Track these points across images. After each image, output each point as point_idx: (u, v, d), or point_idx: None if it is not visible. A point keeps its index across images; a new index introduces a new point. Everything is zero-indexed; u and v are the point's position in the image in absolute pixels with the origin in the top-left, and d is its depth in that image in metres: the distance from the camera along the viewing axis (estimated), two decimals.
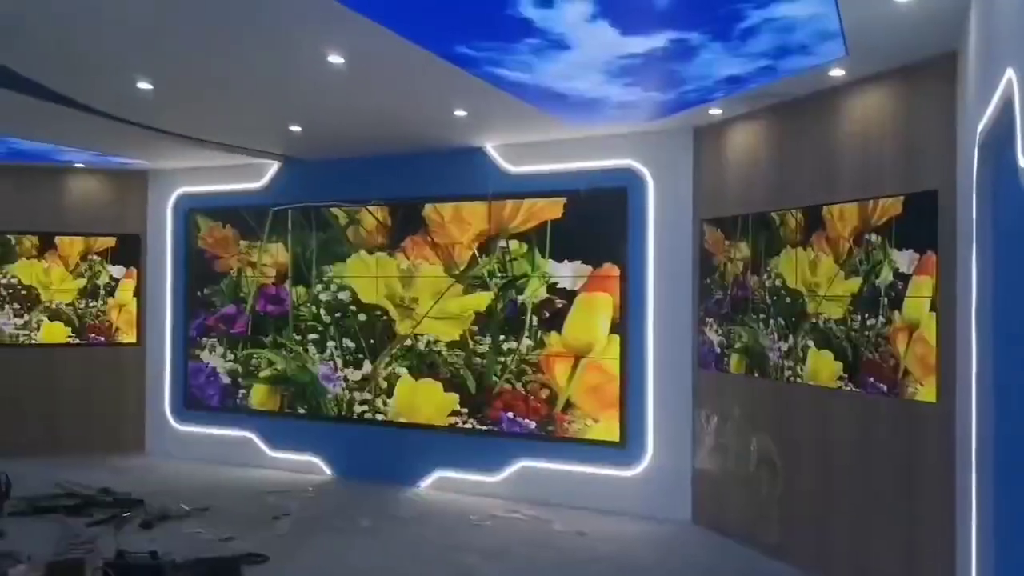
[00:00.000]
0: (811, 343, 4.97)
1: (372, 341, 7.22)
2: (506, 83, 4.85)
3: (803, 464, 4.98)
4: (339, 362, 7.36)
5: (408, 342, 7.07)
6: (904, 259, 4.34)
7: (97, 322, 8.28)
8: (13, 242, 8.13)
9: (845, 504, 4.67)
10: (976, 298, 3.23)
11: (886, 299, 4.44)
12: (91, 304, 8.27)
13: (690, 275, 6.01)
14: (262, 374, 7.74)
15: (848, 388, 4.69)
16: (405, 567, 5.07)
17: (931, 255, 4.17)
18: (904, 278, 4.34)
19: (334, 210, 7.34)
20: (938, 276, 4.11)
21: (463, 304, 6.84)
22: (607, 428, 6.28)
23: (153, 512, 6.00)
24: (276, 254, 7.69)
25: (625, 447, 6.20)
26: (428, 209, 6.98)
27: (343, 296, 7.36)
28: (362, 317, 7.26)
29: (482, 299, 6.76)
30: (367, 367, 7.25)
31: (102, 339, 8.29)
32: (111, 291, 8.33)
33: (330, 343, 7.41)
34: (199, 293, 8.04)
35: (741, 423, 5.51)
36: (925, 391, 4.19)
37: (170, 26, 4.01)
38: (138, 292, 8.39)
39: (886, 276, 4.46)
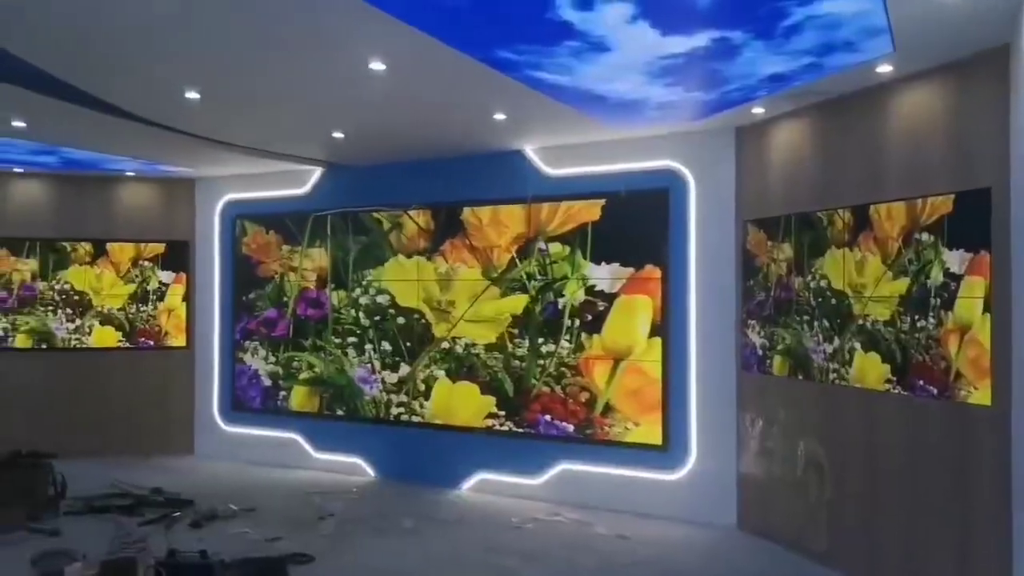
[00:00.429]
0: (858, 345, 4.87)
1: (410, 344, 7.28)
2: (546, 86, 4.85)
3: (852, 468, 4.88)
4: (377, 365, 7.43)
5: (446, 345, 7.11)
6: (955, 259, 4.23)
7: (147, 326, 8.50)
8: (68, 249, 8.38)
9: (896, 509, 4.56)
10: None
11: (937, 300, 4.33)
12: (141, 309, 8.49)
13: (733, 276, 5.94)
14: (302, 376, 7.87)
15: (896, 391, 4.58)
16: (447, 569, 5.10)
17: (984, 254, 4.06)
18: (955, 278, 4.23)
19: (377, 214, 7.41)
20: (992, 275, 4.00)
21: (500, 307, 6.86)
22: (648, 431, 6.23)
23: (202, 512, 6.13)
24: (317, 259, 7.80)
25: (668, 450, 6.14)
26: (466, 212, 7.02)
27: (381, 300, 7.43)
28: (400, 320, 7.33)
29: (519, 301, 6.76)
30: (405, 370, 7.32)
31: (151, 343, 8.49)
32: (161, 296, 8.54)
33: (368, 346, 7.49)
34: (244, 298, 8.20)
35: (787, 426, 5.42)
36: (979, 394, 4.08)
37: (216, 37, 4.10)
38: (187, 297, 8.58)
39: (936, 276, 4.35)
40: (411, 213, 7.26)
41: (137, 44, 4.22)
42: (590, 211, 6.49)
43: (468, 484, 7.01)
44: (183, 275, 8.58)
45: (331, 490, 6.99)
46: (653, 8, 3.62)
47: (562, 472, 6.58)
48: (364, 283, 7.53)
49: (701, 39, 4.01)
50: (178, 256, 8.58)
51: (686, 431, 6.09)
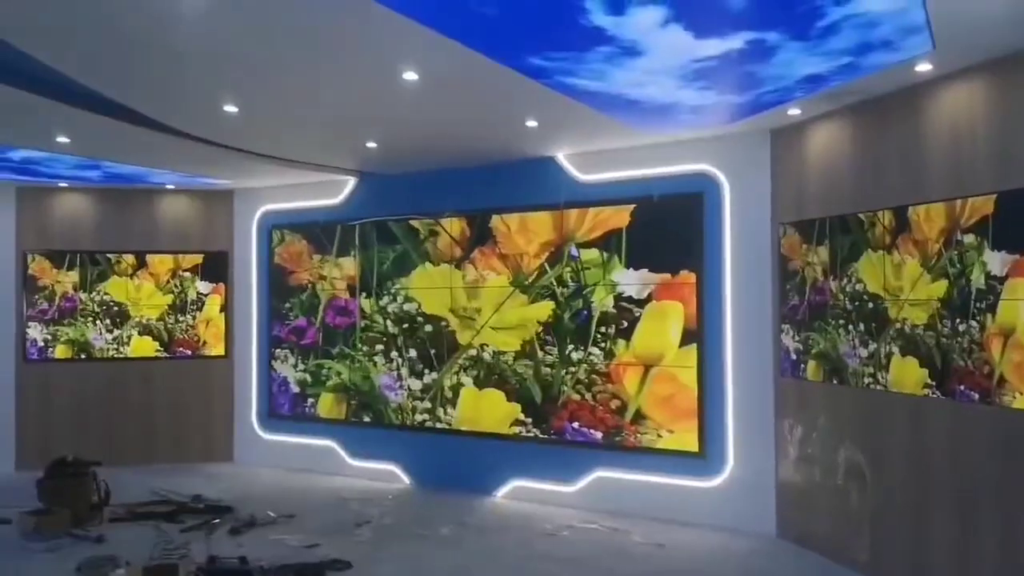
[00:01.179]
0: (895, 349, 4.77)
1: (437, 351, 7.33)
2: (578, 92, 4.84)
3: (895, 476, 4.78)
4: (404, 372, 7.49)
5: (473, 352, 7.13)
6: (997, 260, 4.13)
7: (186, 336, 8.64)
8: (113, 261, 8.56)
9: (941, 518, 4.44)
10: None
11: (979, 303, 4.23)
12: (180, 319, 8.64)
13: (769, 280, 5.86)
14: (329, 384, 7.97)
15: (935, 396, 4.48)
16: (483, 575, 5.10)
17: (1022, 255, 3.95)
18: (998, 280, 4.12)
19: (413, 223, 7.46)
20: None
21: (527, 314, 6.87)
22: (683, 439, 6.16)
23: (242, 519, 6.20)
24: (346, 267, 7.89)
25: (705, 457, 6.07)
26: (495, 220, 7.04)
27: (409, 308, 7.50)
28: (428, 328, 7.38)
29: (547, 308, 6.77)
30: (430, 377, 7.37)
31: (188, 352, 8.63)
32: (199, 306, 8.68)
33: (394, 354, 7.57)
34: (280, 307, 8.31)
35: (827, 433, 5.32)
36: None
37: (252, 52, 4.17)
38: (226, 306, 8.71)
39: (978, 278, 4.24)
40: (443, 222, 7.30)
41: (178, 61, 4.31)
42: (619, 217, 6.47)
43: (503, 491, 7.00)
44: (221, 285, 8.72)
45: (367, 497, 7.03)
46: (686, 11, 3.60)
47: (597, 479, 6.54)
48: (393, 291, 7.59)
49: (735, 41, 3.97)
50: (216, 266, 8.72)
51: (723, 437, 6.01)
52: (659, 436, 6.26)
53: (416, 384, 7.45)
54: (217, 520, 6.19)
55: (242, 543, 5.64)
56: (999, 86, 4.16)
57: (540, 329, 6.79)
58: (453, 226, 7.26)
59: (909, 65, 4.30)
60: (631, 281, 6.39)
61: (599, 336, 6.52)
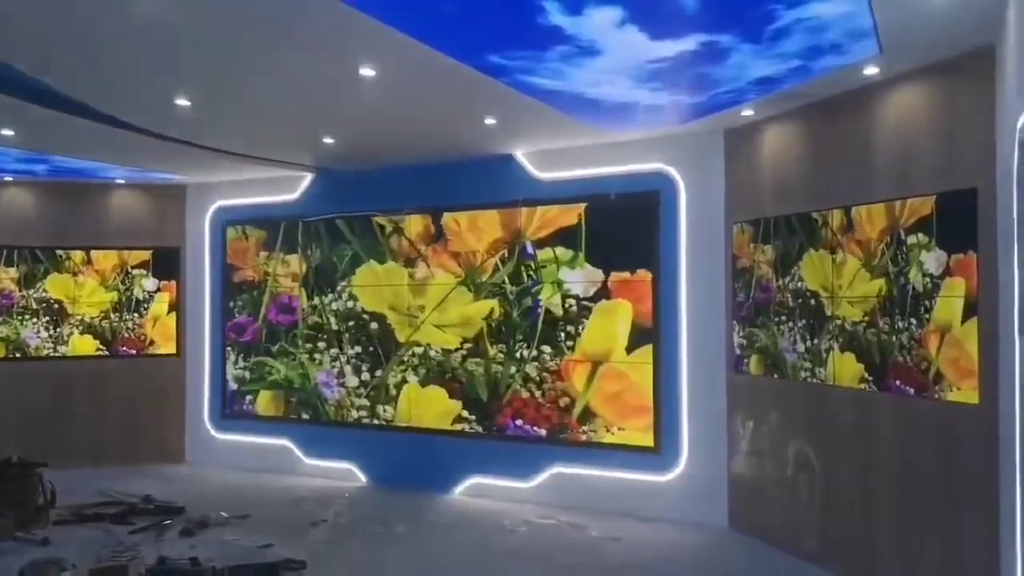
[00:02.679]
0: (834, 345, 4.93)
1: (380, 349, 7.34)
2: (537, 91, 4.87)
3: (842, 468, 4.91)
4: (348, 369, 7.48)
5: (419, 349, 7.14)
6: (937, 259, 4.27)
7: (132, 335, 8.44)
8: (64, 257, 8.33)
9: (887, 508, 4.58)
10: (1019, 297, 3.16)
11: (917, 301, 4.37)
12: (126, 317, 8.44)
13: (723, 278, 5.97)
14: (266, 380, 7.93)
15: (872, 390, 4.64)
16: (441, 573, 5.09)
17: (967, 254, 4.09)
18: (936, 279, 4.27)
19: (378, 219, 7.40)
20: (979, 275, 4.03)
21: (469, 312, 6.90)
22: (638, 435, 6.24)
23: (193, 519, 6.10)
24: (293, 264, 7.83)
25: (660, 452, 6.16)
26: (446, 218, 7.05)
27: (353, 305, 7.50)
28: (373, 326, 7.38)
29: (491, 306, 6.82)
30: (374, 374, 7.39)
31: (133, 352, 8.43)
32: (146, 304, 8.48)
33: (334, 351, 7.57)
34: (231, 304, 8.20)
35: (778, 427, 5.44)
36: (963, 393, 4.11)
37: (206, 44, 4.11)
38: (178, 304, 8.55)
39: (916, 277, 4.39)
40: (408, 219, 7.26)
41: (127, 52, 4.22)
42: (567, 216, 6.53)
43: (461, 488, 7.00)
44: (172, 282, 8.54)
45: (323, 496, 6.97)
46: (642, 12, 3.65)
47: (554, 475, 6.58)
48: (338, 288, 7.56)
49: (689, 43, 4.04)
50: (168, 263, 8.54)
51: (678, 433, 6.11)
52: (608, 432, 6.34)
53: (353, 381, 7.46)
54: (168, 521, 6.08)
55: (194, 544, 5.54)
56: (943, 89, 4.30)
57: (486, 327, 6.83)
58: (416, 223, 7.24)
59: (857, 68, 4.42)
60: (584, 279, 6.45)
61: (550, 334, 6.57)
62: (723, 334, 5.95)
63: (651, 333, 6.21)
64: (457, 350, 6.99)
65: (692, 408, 6.08)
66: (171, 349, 8.52)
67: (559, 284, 6.53)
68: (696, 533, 5.82)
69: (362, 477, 7.50)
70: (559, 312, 6.54)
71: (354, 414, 7.47)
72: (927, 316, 4.33)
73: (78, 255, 8.35)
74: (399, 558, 5.36)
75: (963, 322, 4.12)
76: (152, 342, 8.49)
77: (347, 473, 7.54)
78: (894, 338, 4.52)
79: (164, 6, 3.59)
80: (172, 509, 6.38)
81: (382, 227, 7.37)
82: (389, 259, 7.33)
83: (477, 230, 6.92)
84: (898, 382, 4.50)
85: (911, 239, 4.43)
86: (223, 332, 8.25)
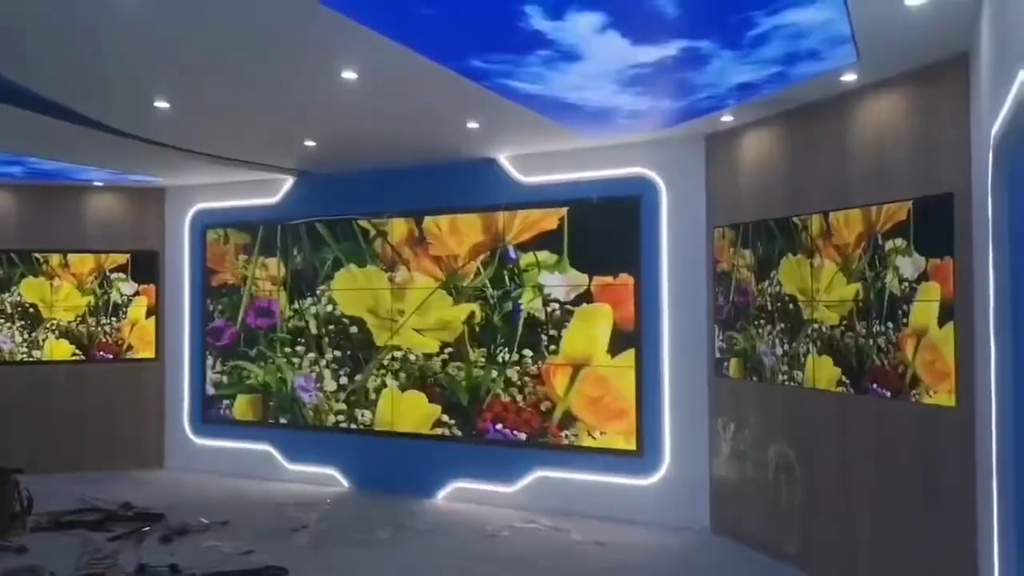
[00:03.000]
0: (811, 348, 4.98)
1: (358, 353, 7.34)
2: (518, 95, 4.88)
3: (822, 471, 4.95)
4: (327, 374, 7.47)
5: (398, 353, 7.13)
6: (913, 264, 4.33)
7: (109, 340, 8.34)
8: (41, 261, 8.23)
9: (866, 510, 4.63)
10: (994, 301, 3.20)
11: (894, 305, 4.42)
12: (103, 321, 8.34)
13: (705, 282, 6.01)
14: (243, 385, 7.92)
15: (849, 393, 4.70)
16: None
17: (943, 259, 4.14)
18: (913, 283, 4.33)
19: (362, 223, 7.36)
20: (955, 279, 4.09)
21: (453, 315, 6.91)
22: (620, 439, 6.26)
23: (173, 526, 6.04)
24: (272, 268, 7.80)
25: (642, 456, 6.18)
26: (427, 221, 7.04)
27: (333, 310, 7.49)
28: (353, 330, 7.37)
29: (471, 309, 6.83)
30: (353, 378, 7.38)
31: (110, 356, 8.34)
32: (124, 308, 8.39)
33: (312, 355, 7.56)
34: (211, 308, 8.14)
35: (759, 430, 5.48)
36: (940, 396, 4.16)
37: (185, 46, 4.08)
38: (156, 308, 8.46)
39: (893, 281, 4.44)
40: (387, 221, 7.24)
41: (105, 53, 4.18)
42: (548, 220, 6.55)
43: (443, 493, 6.99)
44: (151, 286, 8.46)
45: (305, 501, 6.93)
46: (623, 18, 3.66)
47: (537, 479, 6.59)
48: (317, 292, 7.53)
49: (670, 48, 4.06)
50: (146, 266, 8.46)
51: (660, 436, 6.13)
52: (590, 436, 6.36)
53: (332, 385, 7.45)
54: (147, 528, 6.02)
55: (174, 551, 5.49)
56: (920, 95, 4.35)
57: (466, 331, 6.83)
58: (400, 227, 7.22)
59: (835, 75, 4.47)
60: (566, 283, 6.46)
61: (531, 338, 6.58)
62: (704, 338, 5.98)
63: (633, 337, 6.23)
64: (438, 355, 6.98)
65: (674, 412, 6.10)
66: (149, 353, 8.43)
67: (539, 288, 6.54)
68: (678, 536, 5.85)
69: (344, 482, 7.46)
70: (540, 316, 6.55)
71: (332, 418, 7.45)
72: (904, 320, 4.38)
73: (55, 258, 8.25)
74: (381, 563, 5.34)
75: (940, 326, 4.17)
76: (130, 347, 8.40)
77: (329, 478, 7.50)
78: (871, 342, 4.57)
79: (142, 7, 3.56)
80: (151, 516, 6.31)
81: (365, 231, 7.35)
82: (370, 263, 7.30)
83: (459, 234, 6.92)
84: (875, 385, 4.55)
85: (888, 244, 4.48)
86: (203, 336, 8.19)
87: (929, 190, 4.26)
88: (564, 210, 6.49)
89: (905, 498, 4.37)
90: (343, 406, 7.40)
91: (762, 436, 5.44)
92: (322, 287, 7.53)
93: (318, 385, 7.52)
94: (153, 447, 8.37)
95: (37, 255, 8.21)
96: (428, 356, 7.02)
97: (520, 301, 6.63)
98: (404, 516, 6.45)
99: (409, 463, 7.12)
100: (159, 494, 7.13)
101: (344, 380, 7.41)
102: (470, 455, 6.85)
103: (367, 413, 7.30)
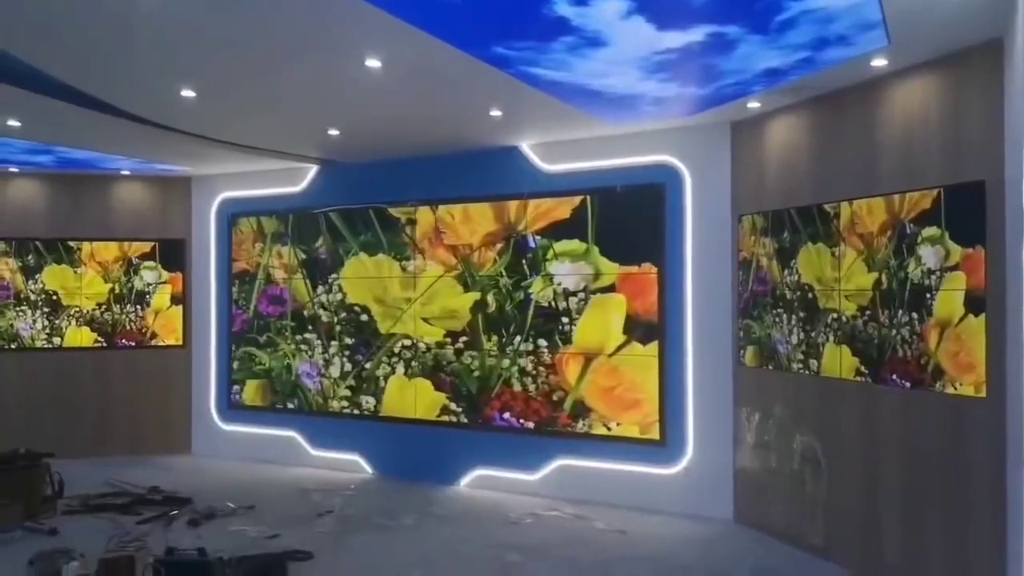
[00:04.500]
0: (830, 337, 4.93)
1: (365, 340, 7.40)
2: (541, 82, 4.85)
3: (848, 462, 4.90)
4: (336, 360, 7.55)
5: (408, 341, 7.18)
6: (937, 253, 4.25)
7: (133, 328, 8.45)
8: (75, 248, 8.34)
9: (892, 502, 4.58)
10: None
11: (918, 295, 4.35)
12: (126, 309, 8.45)
13: (729, 271, 5.96)
14: (252, 371, 8.05)
15: (866, 382, 4.66)
16: (447, 564, 5.11)
17: (974, 248, 4.07)
18: (938, 273, 4.26)
19: (392, 211, 7.37)
20: (987, 267, 4.01)
21: (463, 303, 6.95)
22: (633, 429, 6.25)
23: (200, 510, 6.13)
24: (294, 256, 7.86)
25: (665, 445, 6.16)
26: (441, 210, 7.06)
27: (343, 297, 7.57)
28: (363, 318, 7.44)
29: (486, 297, 6.85)
30: (356, 365, 7.47)
31: (132, 344, 8.44)
32: (148, 296, 8.50)
33: (320, 342, 7.66)
34: (235, 294, 8.24)
35: (784, 420, 5.44)
36: (966, 388, 4.10)
37: (211, 35, 4.10)
38: (184, 295, 8.56)
39: (916, 271, 4.38)
40: (415, 209, 7.24)
41: (133, 43, 4.22)
42: (570, 208, 6.52)
43: (466, 480, 7.02)
44: (177, 274, 8.56)
45: (329, 487, 6.99)
46: (648, 3, 3.63)
47: (560, 467, 6.59)
48: (329, 280, 7.57)
49: (696, 34, 4.01)
50: (173, 255, 8.56)
51: (683, 426, 6.10)
52: (605, 427, 6.35)
53: (336, 372, 7.56)
54: (175, 512, 6.11)
55: (201, 535, 5.57)
56: (951, 82, 4.27)
57: (480, 320, 6.85)
58: (426, 216, 7.23)
59: (865, 60, 4.39)
60: (588, 272, 6.43)
61: (545, 327, 6.58)
62: (729, 327, 5.94)
63: (657, 326, 6.20)
64: (452, 344, 7.01)
65: (698, 401, 6.07)
66: (173, 340, 8.54)
67: (550, 277, 6.55)
68: (701, 526, 5.83)
69: (368, 468, 7.52)
70: (558, 305, 6.53)
71: (335, 404, 7.57)
72: (928, 310, 4.30)
73: (87, 247, 8.38)
74: (405, 549, 5.38)
75: (966, 317, 4.10)
76: (154, 335, 8.50)
77: (353, 464, 7.56)
78: (895, 332, 4.51)
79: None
80: (179, 499, 6.41)
81: (394, 219, 7.35)
82: (388, 252, 7.32)
83: (474, 222, 6.93)
84: (894, 376, 4.49)
85: (917, 232, 4.41)
86: (229, 323, 8.28)
87: (960, 178, 4.18)
88: (588, 197, 6.46)
89: (933, 490, 4.32)
90: (347, 392, 7.49)
91: (787, 426, 5.40)
92: (333, 275, 7.59)
93: (322, 371, 7.61)
94: (180, 432, 8.50)
95: (71, 243, 8.33)
96: (441, 344, 7.05)
97: (531, 291, 6.63)
98: (427, 503, 6.49)
99: (432, 450, 7.16)
100: (186, 479, 7.23)
101: (348, 367, 7.50)
102: (493, 442, 6.87)
103: (371, 399, 7.38)
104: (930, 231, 4.33)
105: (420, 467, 7.20)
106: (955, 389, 4.15)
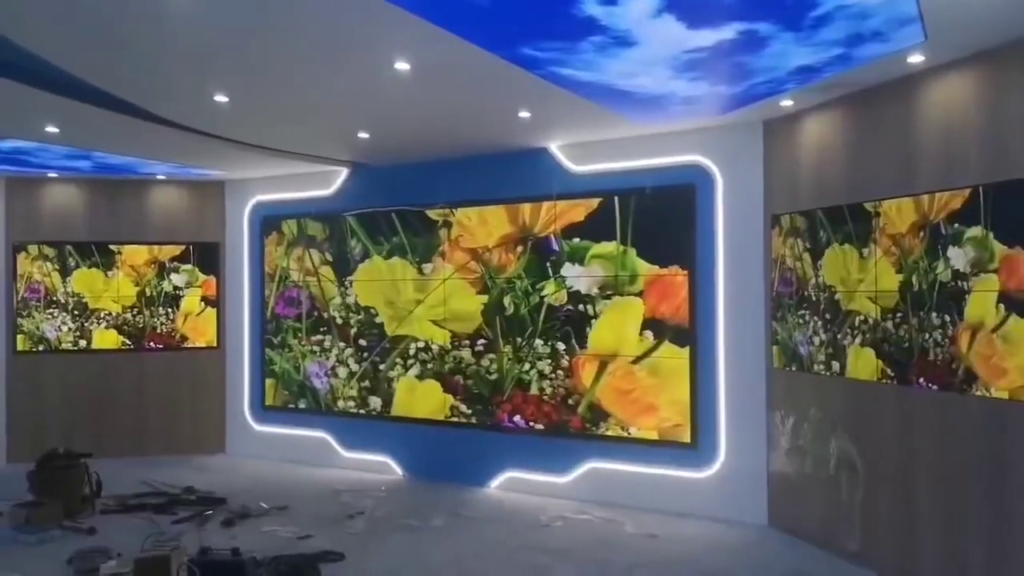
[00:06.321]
0: (855, 339, 4.84)
1: (381, 343, 7.49)
2: (570, 82, 4.83)
3: (885, 466, 4.80)
4: (349, 361, 7.66)
5: (420, 343, 7.24)
6: (966, 254, 4.15)
7: (163, 330, 8.56)
8: (116, 251, 8.50)
9: (930, 508, 4.47)
10: None
11: (949, 296, 4.24)
12: (158, 312, 8.57)
13: (761, 271, 5.88)
14: (267, 371, 8.24)
15: (891, 384, 4.60)
16: (477, 566, 5.10)
17: (1012, 248, 3.95)
18: (970, 274, 4.16)
19: (429, 213, 7.40)
20: None
21: (469, 306, 6.99)
22: (651, 435, 6.21)
23: (234, 510, 6.20)
24: (306, 259, 7.98)
25: (697, 448, 6.09)
26: (459, 213, 7.09)
27: (358, 300, 7.67)
28: (376, 320, 7.54)
29: (498, 300, 6.87)
30: (363, 366, 7.58)
31: (160, 347, 8.55)
32: (180, 298, 8.62)
33: (329, 341, 7.81)
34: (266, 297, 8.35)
35: (819, 424, 5.35)
36: (1002, 391, 3.98)
37: (243, 41, 4.15)
38: (217, 297, 8.68)
39: (945, 272, 4.28)
40: (452, 212, 7.25)
41: (167, 50, 4.28)
42: (575, 211, 6.55)
43: (496, 482, 7.01)
44: (211, 277, 8.67)
45: (361, 488, 7.03)
46: (679, 1, 3.59)
47: (590, 470, 6.55)
48: (345, 283, 7.64)
49: (728, 32, 3.96)
50: (207, 258, 8.68)
51: (715, 429, 6.03)
52: (622, 432, 6.33)
53: (344, 372, 7.69)
54: (209, 511, 6.19)
55: (235, 535, 5.64)
56: (991, 77, 4.17)
57: (485, 322, 6.89)
58: (439, 215, 7.28)
59: (901, 56, 4.30)
60: (602, 275, 6.42)
61: (557, 329, 6.59)
62: (762, 329, 5.86)
63: (688, 328, 6.13)
64: (471, 346, 7.03)
65: (730, 404, 5.99)
66: (204, 343, 8.64)
67: (561, 282, 6.54)
68: (734, 530, 5.76)
69: (398, 470, 7.55)
70: (578, 308, 6.51)
71: (342, 404, 7.69)
72: (960, 313, 4.20)
73: (127, 250, 8.53)
74: (435, 551, 5.39)
75: (1006, 319, 3.99)
76: (184, 337, 8.62)
77: (384, 466, 7.60)
78: (928, 335, 4.41)
79: (201, 4, 3.62)
80: (213, 500, 6.49)
81: (434, 221, 7.37)
82: (417, 257, 7.34)
83: (487, 224, 6.94)
84: (922, 379, 4.39)
85: (954, 232, 4.30)
86: (262, 325, 8.37)
87: (1000, 176, 4.07)
88: (596, 201, 6.45)
89: (973, 496, 4.21)
90: (353, 392, 7.59)
91: (823, 430, 5.30)
92: (349, 278, 7.64)
93: (331, 372, 7.70)
94: (214, 433, 8.61)
95: (112, 246, 8.49)
96: (459, 347, 7.09)
97: (544, 293, 6.65)
98: (457, 504, 6.50)
99: (462, 452, 7.16)
100: (220, 479, 7.32)
101: (355, 367, 7.60)
102: (524, 445, 6.86)
103: (377, 400, 7.49)
104: (973, 231, 4.22)
105: (450, 469, 7.21)
106: (988, 393, 4.04)
